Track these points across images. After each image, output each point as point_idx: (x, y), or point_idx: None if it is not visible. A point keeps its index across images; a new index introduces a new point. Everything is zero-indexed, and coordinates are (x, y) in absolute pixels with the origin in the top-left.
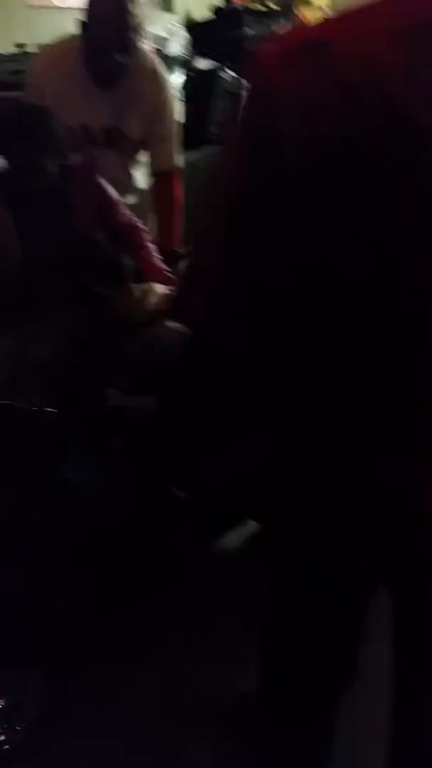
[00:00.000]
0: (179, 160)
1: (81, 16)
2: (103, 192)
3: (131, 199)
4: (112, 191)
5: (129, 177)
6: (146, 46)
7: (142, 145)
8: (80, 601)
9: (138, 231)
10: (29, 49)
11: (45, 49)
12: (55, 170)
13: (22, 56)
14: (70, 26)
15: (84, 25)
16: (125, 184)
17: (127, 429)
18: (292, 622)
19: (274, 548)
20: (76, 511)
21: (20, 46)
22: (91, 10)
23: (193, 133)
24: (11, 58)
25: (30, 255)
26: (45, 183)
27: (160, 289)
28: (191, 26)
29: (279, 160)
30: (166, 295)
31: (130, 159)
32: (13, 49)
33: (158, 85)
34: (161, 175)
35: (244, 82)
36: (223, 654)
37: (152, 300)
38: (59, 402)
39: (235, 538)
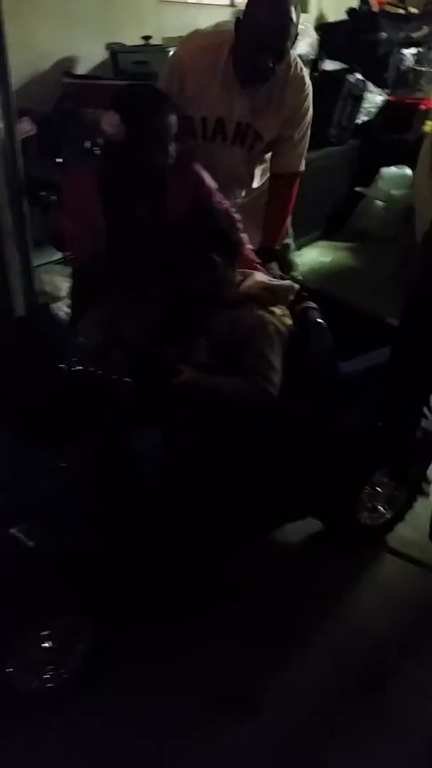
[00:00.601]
0: (303, 165)
1: (240, 13)
2: (201, 180)
3: (242, 194)
4: (209, 180)
5: (249, 175)
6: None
7: (271, 146)
8: (134, 564)
9: (233, 221)
10: (153, 42)
11: (193, 37)
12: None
13: (145, 48)
14: (197, 21)
15: (241, 23)
16: (243, 181)
17: (193, 405)
18: None
19: None
20: (139, 478)
21: (146, 38)
22: (253, 10)
23: (314, 134)
24: (135, 49)
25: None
26: (159, 161)
27: (258, 276)
28: (323, 27)
29: None
30: (261, 283)
31: (255, 158)
32: (139, 42)
33: (301, 93)
34: (282, 177)
35: (370, 85)
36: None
37: (248, 284)
38: (138, 372)
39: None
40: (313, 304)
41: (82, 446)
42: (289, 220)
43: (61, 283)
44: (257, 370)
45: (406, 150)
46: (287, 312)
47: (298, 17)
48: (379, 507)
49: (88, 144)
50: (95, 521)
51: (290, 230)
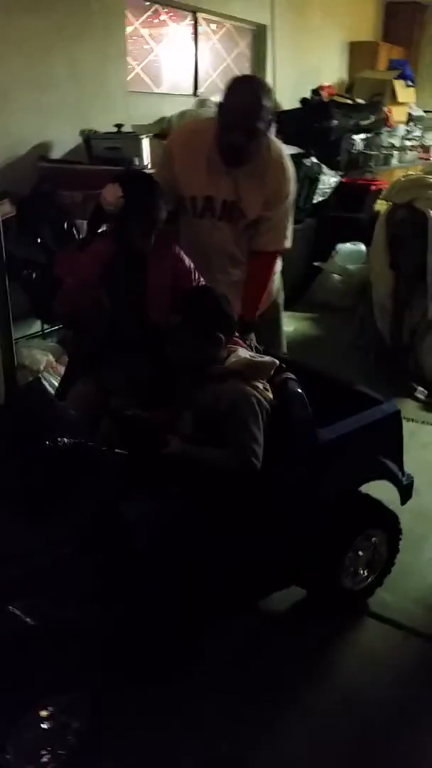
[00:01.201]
0: (287, 243)
1: (220, 101)
2: (181, 259)
3: (237, 272)
4: (187, 261)
5: (238, 249)
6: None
7: (255, 224)
8: (130, 632)
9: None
10: (125, 129)
11: (183, 125)
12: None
13: (117, 135)
14: (163, 109)
15: (220, 109)
16: (237, 259)
17: (181, 474)
18: None
19: None
20: (134, 547)
21: (118, 126)
22: (229, 97)
23: None
24: (107, 136)
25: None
26: (146, 241)
27: (241, 352)
28: (279, 114)
29: None
30: (245, 359)
31: (242, 234)
32: (112, 129)
33: (280, 175)
34: (260, 255)
35: (324, 167)
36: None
37: (232, 360)
38: (128, 442)
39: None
40: (291, 375)
41: (77, 518)
42: (270, 296)
43: (40, 357)
44: (240, 442)
45: (359, 227)
46: (268, 386)
47: (270, 103)
48: (360, 571)
49: (65, 225)
50: (91, 594)
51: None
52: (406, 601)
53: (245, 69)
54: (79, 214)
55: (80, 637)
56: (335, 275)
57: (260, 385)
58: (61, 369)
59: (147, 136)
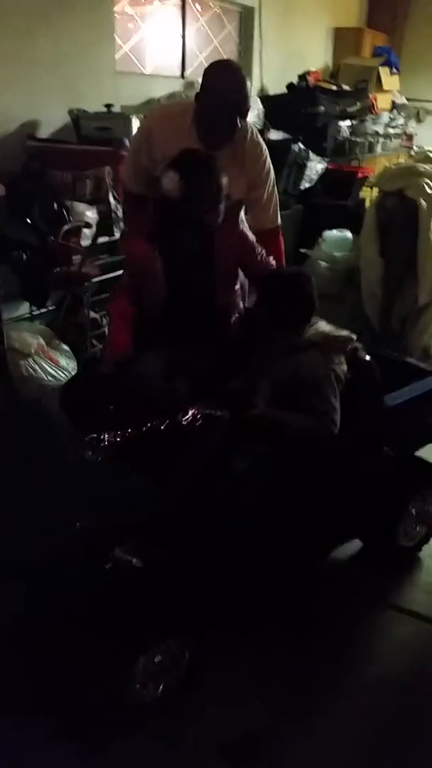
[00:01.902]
0: (279, 219)
1: (193, 85)
2: (244, 239)
3: None
4: (251, 237)
5: None
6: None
7: (242, 206)
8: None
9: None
10: (114, 109)
11: (158, 109)
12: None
13: (107, 115)
14: (151, 90)
15: (203, 93)
16: None
17: (264, 434)
18: None
19: None
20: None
21: (108, 106)
22: (210, 83)
23: None
24: (97, 116)
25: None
26: (212, 217)
27: (321, 326)
28: (266, 99)
29: None
30: (324, 333)
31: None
32: (101, 109)
33: (260, 159)
34: (264, 233)
35: (312, 153)
36: None
37: (311, 332)
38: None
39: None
40: (360, 345)
41: (190, 471)
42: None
43: (30, 340)
44: (321, 409)
45: (346, 215)
46: (343, 359)
47: (247, 89)
48: (415, 526)
49: (55, 205)
50: (198, 539)
51: None
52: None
53: (232, 52)
54: (69, 194)
55: (185, 580)
56: (322, 262)
57: (336, 358)
58: (52, 353)
59: (137, 117)
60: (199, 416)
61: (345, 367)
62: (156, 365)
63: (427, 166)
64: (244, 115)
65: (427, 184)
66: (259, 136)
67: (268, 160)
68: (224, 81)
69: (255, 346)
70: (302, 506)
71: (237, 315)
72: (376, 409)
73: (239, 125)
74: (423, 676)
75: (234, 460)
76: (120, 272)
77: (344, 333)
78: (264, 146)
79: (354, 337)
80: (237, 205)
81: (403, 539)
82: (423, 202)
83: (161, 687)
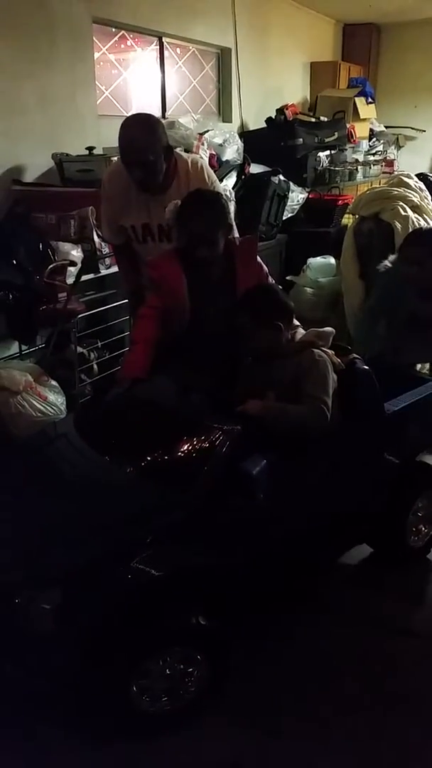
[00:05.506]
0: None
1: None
2: (261, 268)
3: None
4: (265, 268)
5: None
6: (188, 153)
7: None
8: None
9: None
10: (96, 152)
11: (112, 165)
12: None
13: (89, 157)
14: None
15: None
16: None
17: (271, 431)
18: None
19: None
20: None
21: (90, 149)
22: (119, 139)
23: (247, 231)
24: (79, 158)
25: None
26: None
27: (302, 330)
28: (246, 134)
29: None
30: (312, 331)
31: None
32: (83, 152)
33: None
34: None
35: (292, 184)
36: None
37: (300, 333)
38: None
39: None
40: (357, 356)
41: (207, 478)
42: None
43: (19, 377)
44: (315, 394)
45: (328, 241)
46: (333, 353)
47: (161, 132)
48: (422, 527)
49: (40, 246)
50: (215, 542)
51: None
52: None
53: (211, 91)
54: (54, 235)
55: (204, 582)
56: (307, 288)
57: (330, 351)
58: (40, 389)
59: (118, 158)
60: (213, 430)
61: (337, 360)
62: (170, 382)
63: (401, 190)
64: (158, 156)
65: (402, 206)
66: (204, 165)
67: (217, 183)
68: (126, 133)
69: (247, 356)
70: (308, 512)
71: None
72: (377, 415)
73: (161, 167)
74: None
75: (246, 467)
76: (107, 306)
77: (327, 329)
78: (210, 172)
79: (333, 331)
80: (253, 238)
81: (412, 539)
82: (398, 225)
83: (172, 699)
